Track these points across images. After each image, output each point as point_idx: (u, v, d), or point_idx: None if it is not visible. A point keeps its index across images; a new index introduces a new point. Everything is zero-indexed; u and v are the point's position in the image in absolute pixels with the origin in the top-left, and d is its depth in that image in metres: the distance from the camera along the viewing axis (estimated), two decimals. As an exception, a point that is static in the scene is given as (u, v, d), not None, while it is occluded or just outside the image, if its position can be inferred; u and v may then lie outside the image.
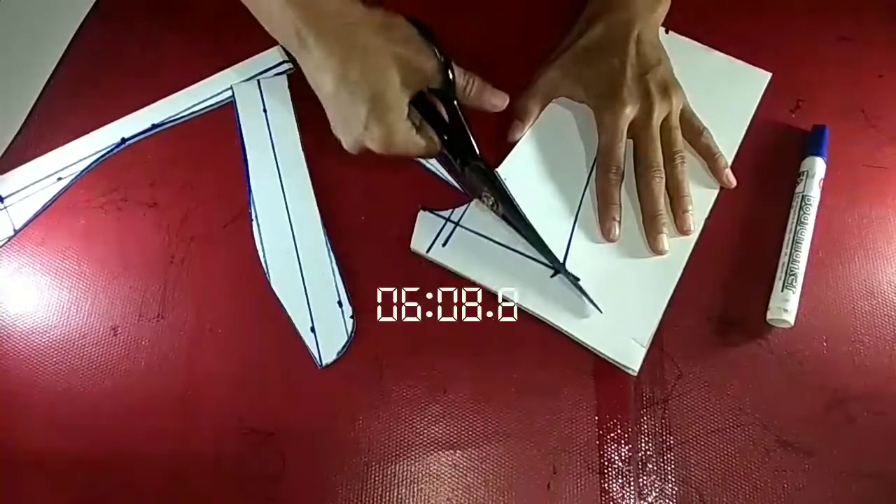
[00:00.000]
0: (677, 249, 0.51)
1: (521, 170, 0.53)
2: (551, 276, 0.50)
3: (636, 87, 0.52)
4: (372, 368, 0.49)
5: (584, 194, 0.53)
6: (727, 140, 0.54)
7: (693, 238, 0.51)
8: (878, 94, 0.56)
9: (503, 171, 0.52)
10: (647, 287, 0.50)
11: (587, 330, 0.48)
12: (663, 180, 0.52)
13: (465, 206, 0.52)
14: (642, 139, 0.52)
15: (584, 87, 0.54)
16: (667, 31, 0.58)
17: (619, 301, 0.49)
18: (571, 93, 0.55)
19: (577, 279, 0.49)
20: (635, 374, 0.47)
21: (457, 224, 0.52)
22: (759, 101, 0.56)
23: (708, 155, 0.53)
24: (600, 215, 0.52)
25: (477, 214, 0.52)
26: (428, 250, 0.51)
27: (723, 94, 0.56)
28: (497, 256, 0.51)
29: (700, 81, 0.55)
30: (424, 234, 0.51)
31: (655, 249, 0.50)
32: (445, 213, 0.52)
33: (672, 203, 0.52)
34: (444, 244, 0.51)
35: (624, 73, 0.52)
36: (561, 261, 0.50)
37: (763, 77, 0.57)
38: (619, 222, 0.51)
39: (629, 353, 0.48)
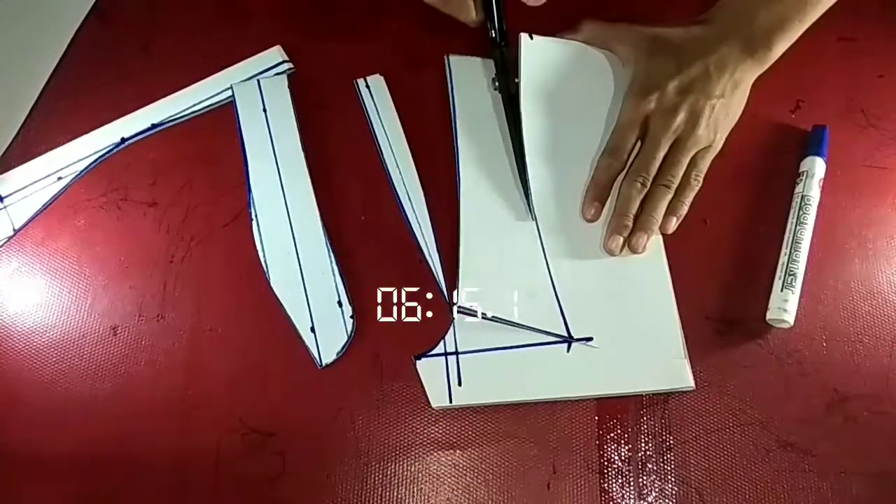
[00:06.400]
0: (652, 249, 0.50)
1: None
2: (567, 352, 0.48)
3: (671, 97, 0.51)
4: (372, 368, 0.49)
5: (543, 249, 0.51)
6: (611, 119, 0.54)
7: (659, 239, 0.51)
8: (878, 94, 0.56)
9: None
10: (648, 301, 0.49)
11: (627, 380, 0.47)
12: (644, 192, 0.51)
13: (450, 327, 0.49)
14: (646, 144, 0.52)
15: (634, 64, 0.54)
16: (531, 37, 0.56)
17: (633, 333, 0.48)
18: (622, 57, 0.55)
19: (590, 338, 0.48)
20: (693, 389, 0.47)
21: (456, 353, 0.48)
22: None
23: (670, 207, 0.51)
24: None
25: (466, 327, 0.49)
26: (451, 400, 0.47)
27: (589, 76, 0.56)
28: (510, 360, 0.48)
29: (568, 70, 0.56)
30: (436, 385, 0.47)
31: (608, 248, 0.50)
32: (439, 349, 0.48)
33: (638, 217, 0.51)
34: (459, 384, 0.47)
35: (670, 79, 0.51)
36: (566, 333, 0.48)
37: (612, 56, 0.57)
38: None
39: (676, 374, 0.47)
